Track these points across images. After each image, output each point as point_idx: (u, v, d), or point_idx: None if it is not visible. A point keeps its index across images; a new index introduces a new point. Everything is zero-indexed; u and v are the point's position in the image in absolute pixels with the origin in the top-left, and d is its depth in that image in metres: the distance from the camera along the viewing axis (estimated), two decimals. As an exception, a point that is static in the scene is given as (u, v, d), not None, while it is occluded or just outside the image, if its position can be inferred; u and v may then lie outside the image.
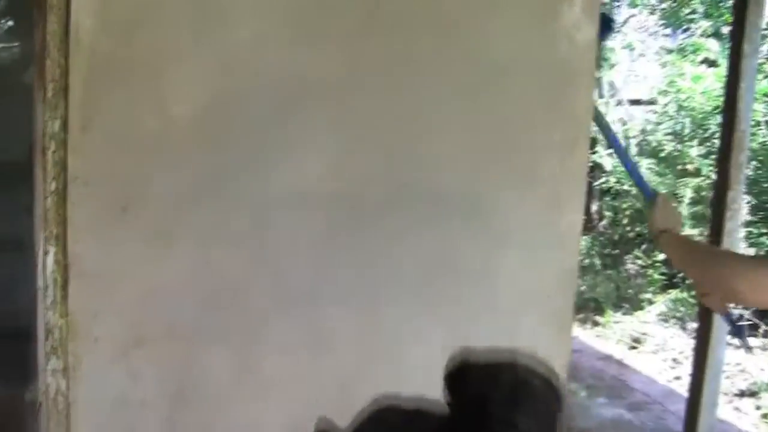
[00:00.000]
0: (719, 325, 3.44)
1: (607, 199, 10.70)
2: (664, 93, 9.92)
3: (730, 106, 4.30)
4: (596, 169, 10.76)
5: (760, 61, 9.40)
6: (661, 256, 8.19)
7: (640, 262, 9.00)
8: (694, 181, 8.59)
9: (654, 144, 9.72)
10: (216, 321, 2.07)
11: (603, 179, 10.41)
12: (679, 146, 9.12)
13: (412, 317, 2.20)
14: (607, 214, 10.68)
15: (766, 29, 10.14)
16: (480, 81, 2.17)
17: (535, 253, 2.26)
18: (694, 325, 5.75)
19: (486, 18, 2.17)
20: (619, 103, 11.30)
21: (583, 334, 7.80)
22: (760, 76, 9.11)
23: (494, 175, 2.22)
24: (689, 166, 8.76)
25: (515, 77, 2.20)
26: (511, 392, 1.43)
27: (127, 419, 2.10)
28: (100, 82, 1.94)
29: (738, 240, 3.75)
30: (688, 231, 7.68)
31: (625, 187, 9.85)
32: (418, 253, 2.17)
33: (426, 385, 2.23)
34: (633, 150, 9.74)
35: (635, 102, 11.40)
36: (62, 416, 2.10)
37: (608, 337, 7.76)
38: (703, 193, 8.44)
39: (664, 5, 11.96)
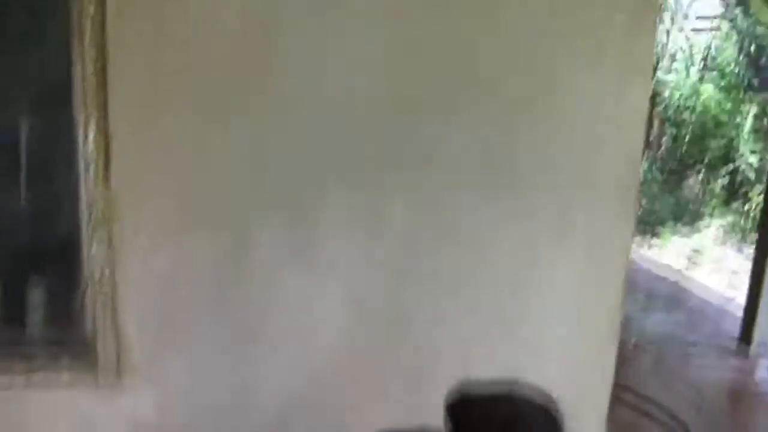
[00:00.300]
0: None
1: (669, 118, 10.48)
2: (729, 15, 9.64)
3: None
4: (658, 86, 10.53)
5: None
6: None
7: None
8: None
9: (718, 64, 9.48)
10: (271, 195, 2.06)
11: (666, 97, 10.19)
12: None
13: (470, 202, 2.14)
14: (669, 132, 10.47)
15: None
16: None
17: (599, 136, 2.19)
18: (752, 248, 5.61)
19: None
20: (686, 19, 10.97)
21: (641, 248, 7.67)
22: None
23: (557, 57, 2.14)
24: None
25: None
26: (509, 424, 1.51)
27: (175, 299, 2.08)
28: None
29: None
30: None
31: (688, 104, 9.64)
32: (480, 136, 2.12)
33: (480, 264, 2.20)
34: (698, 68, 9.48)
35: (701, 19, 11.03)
36: (107, 298, 2.08)
37: (666, 253, 7.64)
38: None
39: None
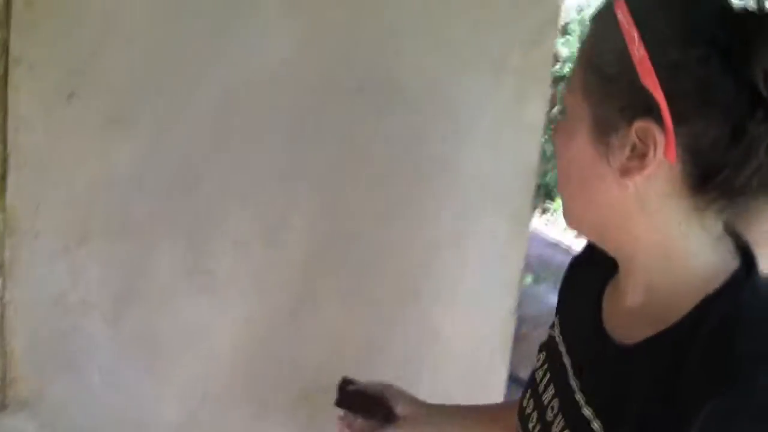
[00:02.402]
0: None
1: (561, 86, 10.68)
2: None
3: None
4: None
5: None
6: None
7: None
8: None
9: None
10: (169, 214, 2.00)
11: (557, 66, 10.37)
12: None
13: (373, 208, 2.16)
14: (561, 100, 10.68)
15: None
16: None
17: (497, 146, 2.21)
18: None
19: None
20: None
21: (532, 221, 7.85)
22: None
23: (459, 64, 2.15)
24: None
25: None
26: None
27: (67, 321, 2.02)
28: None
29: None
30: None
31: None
32: (383, 142, 2.12)
33: (384, 273, 2.24)
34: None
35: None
36: (-4, 319, 2.02)
37: (557, 223, 7.84)
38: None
39: None
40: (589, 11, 10.38)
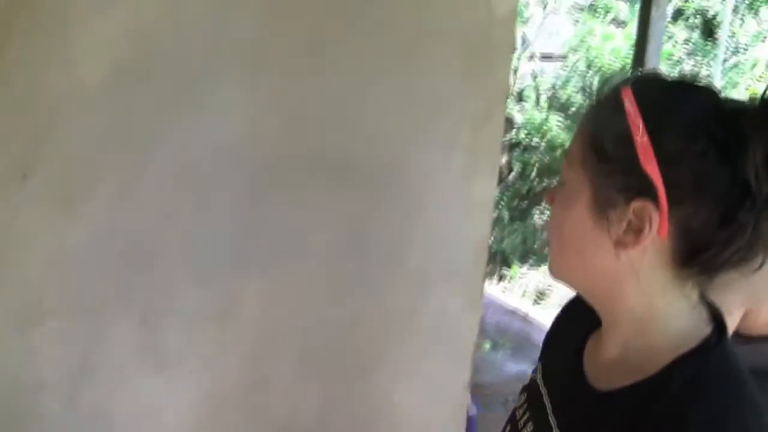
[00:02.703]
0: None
1: (517, 152, 10.82)
2: (575, 50, 10.04)
3: (637, 67, 4.46)
4: (506, 122, 10.87)
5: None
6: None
7: (547, 215, 9.15)
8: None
9: (563, 99, 9.88)
10: (123, 291, 2.00)
11: (513, 133, 10.53)
12: (587, 102, 9.26)
13: (325, 285, 2.17)
14: (516, 167, 10.81)
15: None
16: (396, 48, 2.13)
17: (447, 223, 2.24)
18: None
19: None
20: (532, 57, 11.44)
21: (489, 288, 7.92)
22: (664, 37, 9.35)
23: (409, 143, 2.19)
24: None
25: (433, 45, 2.16)
26: None
27: (22, 400, 2.00)
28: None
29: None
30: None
31: (535, 141, 9.99)
32: (335, 219, 2.15)
33: (336, 350, 2.25)
34: (544, 104, 9.84)
35: (546, 57, 11.55)
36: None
37: (514, 291, 7.89)
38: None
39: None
40: (544, 78, 10.57)
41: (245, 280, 2.09)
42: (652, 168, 0.96)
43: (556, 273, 1.17)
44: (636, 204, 0.99)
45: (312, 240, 2.13)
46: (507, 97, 2.32)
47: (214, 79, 1.98)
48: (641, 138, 0.97)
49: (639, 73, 0.99)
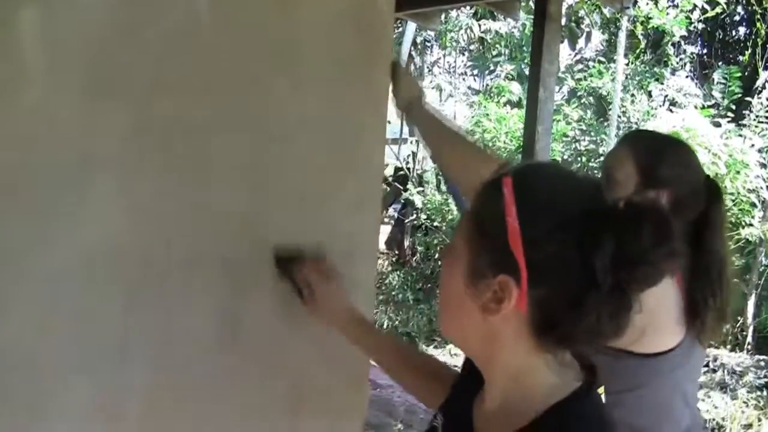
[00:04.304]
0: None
1: (419, 234, 10.98)
2: (472, 132, 10.27)
3: (528, 147, 4.58)
4: (408, 206, 11.05)
5: (558, 103, 10.02)
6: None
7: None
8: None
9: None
10: (5, 386, 1.97)
11: (414, 216, 10.69)
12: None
13: (205, 385, 2.17)
14: (419, 249, 10.95)
15: (561, 73, 10.78)
16: (268, 141, 2.18)
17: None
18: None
19: (273, 82, 2.19)
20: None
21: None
22: (559, 117, 9.69)
23: (286, 234, 2.22)
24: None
25: (305, 136, 2.22)
26: None
27: None
28: None
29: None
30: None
31: (436, 224, 10.13)
32: (211, 319, 2.15)
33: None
34: (443, 187, 10.01)
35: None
36: None
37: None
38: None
39: (472, 47, 12.45)
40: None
41: (130, 378, 2.07)
42: (517, 249, 1.08)
43: (443, 330, 1.27)
44: (501, 278, 1.09)
45: (189, 336, 2.14)
46: (381, 184, 2.39)
47: (86, 184, 1.98)
48: (512, 221, 1.08)
49: (525, 163, 1.11)
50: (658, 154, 2.06)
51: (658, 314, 1.90)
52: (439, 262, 9.76)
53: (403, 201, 11.38)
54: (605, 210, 1.09)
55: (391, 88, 2.20)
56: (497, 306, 1.11)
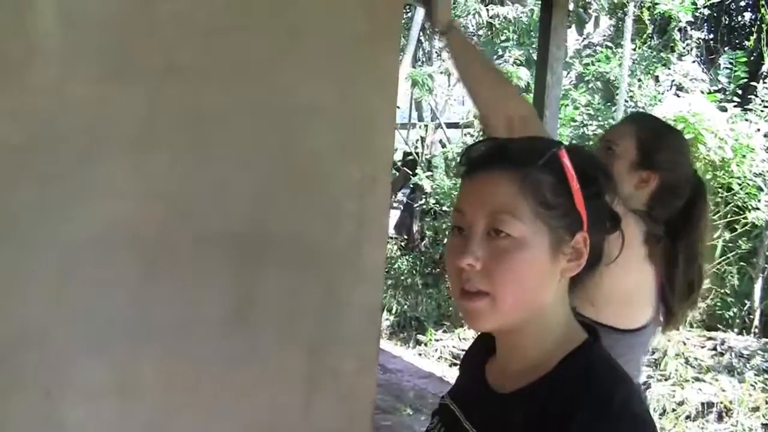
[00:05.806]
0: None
1: (428, 219, 10.98)
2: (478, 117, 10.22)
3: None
4: (417, 190, 11.06)
5: (566, 88, 10.01)
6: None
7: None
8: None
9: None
10: (16, 369, 2.01)
11: (423, 201, 10.69)
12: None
13: (219, 360, 2.21)
14: (428, 233, 10.96)
15: (569, 58, 10.76)
16: (279, 123, 2.21)
17: (339, 291, 2.31)
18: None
19: (284, 65, 2.22)
20: (439, 126, 11.69)
21: (405, 353, 7.98)
22: (567, 102, 9.68)
23: (296, 214, 2.26)
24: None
25: (315, 119, 2.25)
26: None
27: None
28: None
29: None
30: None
31: (445, 208, 10.13)
32: (225, 295, 2.19)
33: (231, 418, 2.27)
34: (452, 171, 10.01)
35: (452, 125, 11.82)
36: None
37: (430, 355, 7.95)
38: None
39: (480, 32, 12.42)
40: (454, 146, 10.78)
41: (142, 354, 2.11)
42: (581, 207, 1.26)
43: (502, 314, 1.28)
44: (579, 236, 1.27)
45: (204, 311, 2.17)
46: (391, 166, 2.42)
47: (102, 162, 2.02)
48: (575, 185, 1.26)
49: (558, 141, 1.37)
50: (660, 138, 2.19)
51: (637, 295, 2.12)
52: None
53: (412, 186, 11.37)
54: (608, 171, 1.38)
55: (427, 11, 2.35)
56: (577, 263, 1.27)
